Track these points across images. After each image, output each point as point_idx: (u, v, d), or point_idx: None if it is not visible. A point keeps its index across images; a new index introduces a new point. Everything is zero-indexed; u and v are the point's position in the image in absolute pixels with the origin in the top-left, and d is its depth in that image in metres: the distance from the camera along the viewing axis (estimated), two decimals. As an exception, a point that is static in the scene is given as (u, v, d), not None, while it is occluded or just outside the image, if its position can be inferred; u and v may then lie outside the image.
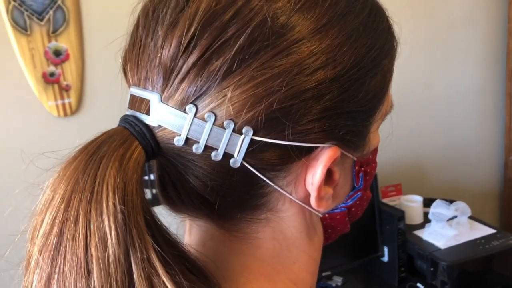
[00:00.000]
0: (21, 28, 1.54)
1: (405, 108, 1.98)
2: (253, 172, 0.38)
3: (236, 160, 0.37)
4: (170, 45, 0.36)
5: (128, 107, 0.40)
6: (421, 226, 1.82)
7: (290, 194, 0.41)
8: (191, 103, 0.36)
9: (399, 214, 1.77)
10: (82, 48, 1.61)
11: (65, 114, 1.63)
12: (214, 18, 0.36)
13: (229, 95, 0.36)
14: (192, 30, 0.36)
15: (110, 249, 0.33)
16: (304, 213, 0.43)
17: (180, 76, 0.36)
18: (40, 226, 0.35)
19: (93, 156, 0.36)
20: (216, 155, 0.37)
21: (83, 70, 1.62)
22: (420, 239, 1.76)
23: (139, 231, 0.34)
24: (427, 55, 2.00)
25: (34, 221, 0.35)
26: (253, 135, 0.36)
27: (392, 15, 0.43)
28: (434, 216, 1.77)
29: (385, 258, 1.78)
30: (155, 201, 0.48)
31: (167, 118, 0.37)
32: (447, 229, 1.74)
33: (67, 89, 1.62)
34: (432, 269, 1.66)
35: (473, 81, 2.10)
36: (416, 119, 2.03)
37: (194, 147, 0.37)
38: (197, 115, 0.36)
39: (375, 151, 0.46)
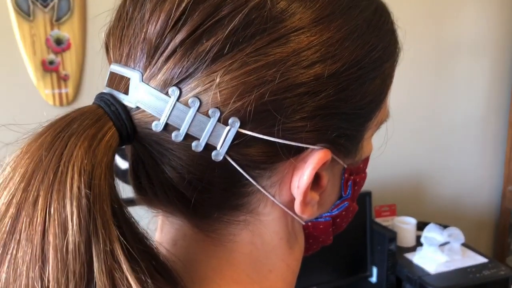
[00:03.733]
0: (24, 13, 1.52)
1: (406, 128, 1.95)
2: (236, 169, 0.35)
3: (219, 153, 0.34)
4: (158, 20, 0.33)
5: (106, 85, 0.37)
6: (413, 249, 1.79)
7: (273, 197, 0.38)
8: (174, 85, 0.33)
9: (391, 235, 1.73)
10: (85, 38, 1.59)
11: (61, 104, 1.60)
12: None
13: (218, 80, 0.33)
14: (183, 4, 0.33)
15: (70, 237, 0.30)
16: (286, 219, 0.40)
17: (165, 54, 0.33)
18: None
19: (61, 133, 0.33)
20: (197, 146, 0.34)
21: (84, 61, 1.60)
22: (410, 262, 1.73)
23: (104, 220, 0.31)
24: (432, 77, 1.97)
25: None
26: (239, 127, 0.33)
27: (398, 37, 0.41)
28: (426, 240, 1.73)
29: (373, 279, 1.75)
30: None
31: (147, 99, 0.34)
32: (439, 255, 1.70)
33: (65, 78, 1.59)
34: (420, 294, 1.63)
35: (476, 107, 2.07)
36: (416, 140, 2.00)
37: (173, 134, 0.34)
38: (180, 99, 0.33)
39: (366, 160, 0.44)
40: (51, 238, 0.30)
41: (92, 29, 1.57)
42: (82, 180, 0.31)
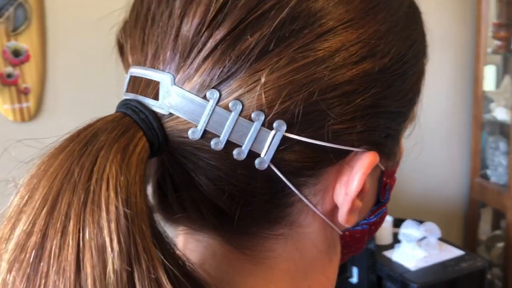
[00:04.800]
0: (-22, 24, 1.43)
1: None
2: (279, 177, 0.31)
3: (263, 161, 0.31)
4: (193, 16, 0.30)
5: (127, 91, 0.33)
6: (391, 246, 1.79)
7: (315, 206, 0.34)
8: (213, 87, 0.30)
9: (369, 234, 1.73)
10: (45, 49, 1.51)
11: (22, 119, 1.51)
12: None
13: (263, 80, 0.29)
14: None
15: (110, 265, 0.25)
16: (326, 230, 0.37)
17: (203, 53, 0.29)
18: (10, 236, 0.27)
19: (87, 147, 0.28)
20: (240, 153, 0.30)
21: (45, 73, 1.51)
22: (389, 260, 1.73)
23: (145, 243, 0.27)
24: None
25: (1, 229, 0.27)
26: (286, 131, 0.30)
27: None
28: (404, 237, 1.74)
29: (354, 279, 1.74)
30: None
31: (181, 104, 0.30)
32: (417, 250, 1.72)
33: (26, 92, 1.50)
34: (402, 291, 1.63)
35: (442, 103, 2.12)
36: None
37: (213, 142, 0.30)
38: (219, 103, 0.30)
39: (399, 162, 0.41)
40: (88, 268, 0.25)
41: (52, 38, 1.49)
42: (120, 198, 0.27)
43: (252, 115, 0.30)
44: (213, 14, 0.29)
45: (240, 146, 0.30)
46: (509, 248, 2.03)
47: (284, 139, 0.30)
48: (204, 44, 0.29)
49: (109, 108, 0.34)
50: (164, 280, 0.27)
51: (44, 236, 0.26)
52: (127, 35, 0.34)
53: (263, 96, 0.29)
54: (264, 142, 0.30)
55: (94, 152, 0.28)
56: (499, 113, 2.05)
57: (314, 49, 0.30)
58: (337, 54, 0.30)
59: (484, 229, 2.32)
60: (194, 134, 0.30)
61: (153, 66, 0.31)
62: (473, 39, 2.07)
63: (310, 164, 0.32)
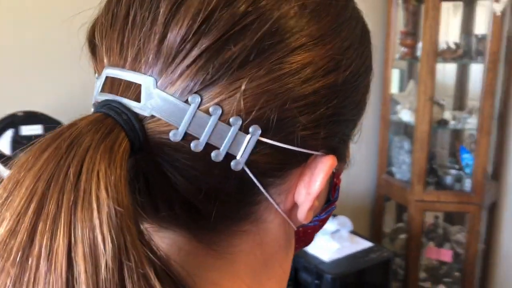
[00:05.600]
0: None
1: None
2: (250, 178, 0.34)
3: (238, 163, 0.33)
4: (181, 23, 0.31)
5: (103, 91, 0.34)
6: (306, 239, 1.88)
7: (279, 205, 0.37)
8: (195, 92, 0.31)
9: (286, 228, 1.81)
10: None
11: None
12: None
13: (243, 87, 0.31)
14: (209, 8, 0.31)
15: (103, 262, 0.26)
16: (285, 226, 0.40)
17: (187, 60, 0.31)
18: None
19: (74, 146, 0.29)
20: (218, 155, 0.32)
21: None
22: (305, 252, 1.81)
23: (133, 239, 0.28)
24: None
25: None
26: (260, 135, 0.33)
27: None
28: (320, 231, 1.83)
29: (272, 272, 1.80)
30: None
31: (163, 107, 0.31)
32: (331, 243, 1.81)
33: None
34: (317, 281, 1.72)
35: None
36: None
37: (193, 144, 0.32)
38: (200, 107, 0.32)
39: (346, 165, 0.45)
40: (81, 265, 0.26)
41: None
42: (111, 197, 0.28)
43: (231, 119, 0.32)
44: (199, 23, 0.31)
45: (218, 148, 0.32)
46: (410, 239, 2.21)
47: (258, 143, 0.33)
48: (189, 52, 0.31)
49: None
50: (152, 274, 0.28)
51: (31, 235, 0.27)
52: (102, 36, 0.34)
53: (242, 102, 0.31)
54: (240, 145, 0.32)
55: (81, 152, 0.29)
56: (404, 115, 2.21)
57: (288, 62, 0.32)
58: (308, 67, 0.33)
59: (389, 222, 2.50)
60: (175, 136, 0.32)
61: (134, 69, 0.32)
62: (382, 45, 2.22)
63: (279, 166, 0.35)
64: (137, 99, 0.32)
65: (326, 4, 0.35)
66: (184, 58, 0.31)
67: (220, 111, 0.32)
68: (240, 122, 0.32)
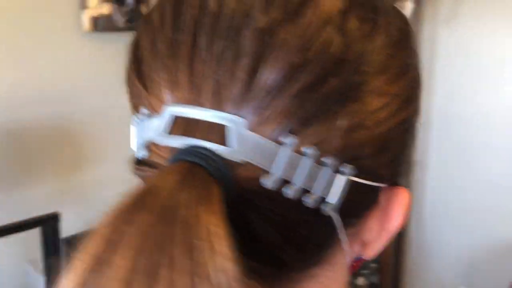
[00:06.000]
0: None
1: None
2: (333, 221, 0.30)
3: (330, 205, 0.29)
4: (277, 57, 0.27)
5: (176, 133, 0.28)
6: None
7: (351, 245, 0.34)
8: (290, 132, 0.27)
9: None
10: None
11: None
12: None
13: (338, 126, 0.28)
14: (311, 41, 0.27)
15: None
16: (346, 264, 0.37)
17: (284, 98, 0.27)
18: None
19: (171, 209, 0.24)
20: (311, 199, 0.28)
21: None
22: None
23: None
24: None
25: None
26: (355, 175, 0.29)
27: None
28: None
29: None
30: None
31: (256, 150, 0.27)
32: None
33: None
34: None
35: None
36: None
37: (286, 189, 0.28)
38: (295, 149, 0.28)
39: None
40: None
41: None
42: (231, 260, 0.24)
43: (325, 160, 0.28)
44: (298, 60, 0.27)
45: (310, 192, 0.28)
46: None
47: (350, 184, 0.30)
48: (286, 89, 0.27)
49: None
50: None
51: None
52: (157, 66, 0.29)
53: (339, 142, 0.28)
54: (333, 187, 0.29)
55: (193, 211, 0.24)
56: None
57: (376, 99, 0.30)
58: (391, 103, 0.31)
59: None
60: (268, 182, 0.27)
61: (216, 107, 0.27)
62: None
63: (361, 205, 0.32)
64: (223, 142, 0.27)
65: (408, 35, 0.33)
66: (280, 95, 0.27)
67: (314, 152, 0.28)
68: (333, 162, 0.28)
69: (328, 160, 0.28)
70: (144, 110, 0.31)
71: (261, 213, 0.29)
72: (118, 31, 1.65)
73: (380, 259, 2.34)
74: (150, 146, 0.30)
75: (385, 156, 0.31)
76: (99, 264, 0.22)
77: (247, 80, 0.27)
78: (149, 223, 0.23)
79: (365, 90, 0.29)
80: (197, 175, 0.26)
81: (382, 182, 0.32)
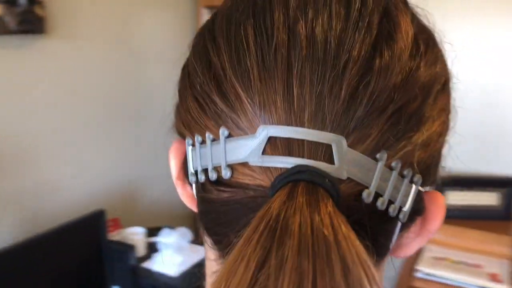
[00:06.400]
0: None
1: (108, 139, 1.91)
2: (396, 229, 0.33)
3: (406, 214, 0.31)
4: (377, 81, 0.29)
5: (277, 154, 0.29)
6: (148, 257, 1.80)
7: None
8: (383, 149, 0.29)
9: (127, 249, 1.70)
10: None
11: None
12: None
13: (417, 141, 0.31)
14: (409, 64, 0.30)
15: None
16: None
17: (382, 118, 0.29)
18: None
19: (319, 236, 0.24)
20: (395, 210, 0.30)
21: None
22: (150, 271, 1.73)
23: None
24: (124, 84, 2.00)
25: None
26: (420, 185, 0.32)
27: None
28: (161, 245, 1.77)
29: (118, 299, 1.68)
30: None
31: (356, 167, 0.29)
32: (174, 256, 1.77)
33: None
34: (171, 298, 1.66)
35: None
36: (121, 151, 2.00)
37: (379, 202, 0.29)
38: (387, 164, 0.29)
39: None
40: None
41: None
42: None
43: (405, 172, 0.30)
44: (395, 86, 0.29)
45: (394, 203, 0.30)
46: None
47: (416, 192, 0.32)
48: (382, 112, 0.29)
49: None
50: None
51: None
52: (247, 87, 0.29)
53: (416, 155, 0.31)
54: (408, 197, 0.31)
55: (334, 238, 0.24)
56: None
57: (434, 113, 0.32)
58: (443, 115, 0.34)
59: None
60: (368, 197, 0.28)
61: (318, 128, 0.28)
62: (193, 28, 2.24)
63: (419, 211, 0.34)
64: (329, 161, 0.28)
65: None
66: (378, 116, 0.29)
67: (399, 166, 0.30)
68: (410, 174, 0.31)
69: (407, 172, 0.30)
70: (223, 130, 0.30)
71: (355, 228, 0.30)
72: (10, 34, 1.51)
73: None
74: (235, 166, 0.30)
75: (437, 165, 0.34)
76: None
77: (348, 102, 0.28)
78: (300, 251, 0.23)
79: (434, 109, 0.32)
80: (319, 194, 0.26)
81: (431, 187, 0.35)
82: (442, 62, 0.33)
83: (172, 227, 1.87)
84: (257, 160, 0.28)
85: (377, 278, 0.24)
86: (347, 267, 0.23)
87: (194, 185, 0.35)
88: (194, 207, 0.40)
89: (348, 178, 0.28)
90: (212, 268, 0.36)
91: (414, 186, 0.31)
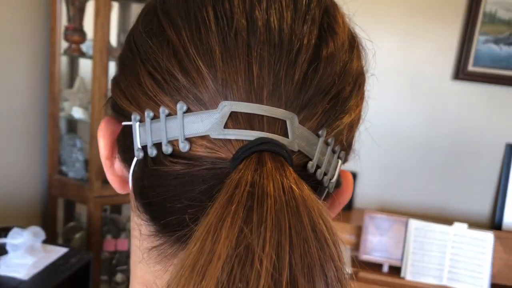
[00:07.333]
0: None
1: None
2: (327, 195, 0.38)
3: (333, 186, 0.36)
4: (332, 65, 0.33)
5: (238, 128, 0.31)
6: (-7, 261, 1.63)
7: None
8: (324, 127, 0.33)
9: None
10: None
11: None
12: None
13: (346, 122, 0.35)
14: (348, 58, 0.35)
15: None
16: None
17: (326, 100, 0.33)
18: None
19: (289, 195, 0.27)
20: (327, 181, 0.35)
21: None
22: (-5, 275, 1.58)
23: None
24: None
25: None
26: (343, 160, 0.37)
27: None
28: (11, 247, 1.62)
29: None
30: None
31: (304, 141, 0.32)
32: (26, 258, 1.64)
33: None
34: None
35: (17, 102, 2.04)
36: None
37: (318, 173, 0.33)
38: (325, 140, 0.34)
39: None
40: None
41: None
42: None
43: (336, 148, 0.35)
44: (339, 74, 0.34)
45: (326, 174, 0.35)
46: (91, 236, 2.21)
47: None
48: (326, 95, 0.33)
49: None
50: None
51: None
52: (209, 65, 0.30)
53: (344, 133, 0.36)
54: (336, 170, 0.36)
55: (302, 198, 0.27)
56: (76, 112, 2.17)
57: (357, 100, 0.38)
58: (363, 97, 0.39)
59: (59, 222, 2.40)
60: (312, 167, 0.32)
61: (275, 105, 0.31)
62: (47, 40, 2.10)
63: (338, 183, 0.39)
64: (285, 134, 0.31)
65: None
66: (323, 98, 0.33)
67: (333, 142, 0.34)
68: (339, 150, 0.35)
69: (337, 148, 0.35)
70: (182, 105, 0.31)
71: None
72: None
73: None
74: (193, 139, 0.31)
75: (351, 146, 0.39)
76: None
77: (301, 84, 0.32)
78: (277, 209, 0.26)
79: (358, 97, 0.37)
80: (282, 162, 0.29)
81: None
82: (364, 59, 0.39)
83: (22, 226, 1.72)
84: (219, 133, 0.30)
85: (335, 229, 0.28)
86: (313, 220, 0.27)
87: (136, 162, 0.35)
88: (120, 187, 0.39)
89: (298, 150, 0.32)
90: (147, 244, 0.37)
91: (339, 161, 0.36)
